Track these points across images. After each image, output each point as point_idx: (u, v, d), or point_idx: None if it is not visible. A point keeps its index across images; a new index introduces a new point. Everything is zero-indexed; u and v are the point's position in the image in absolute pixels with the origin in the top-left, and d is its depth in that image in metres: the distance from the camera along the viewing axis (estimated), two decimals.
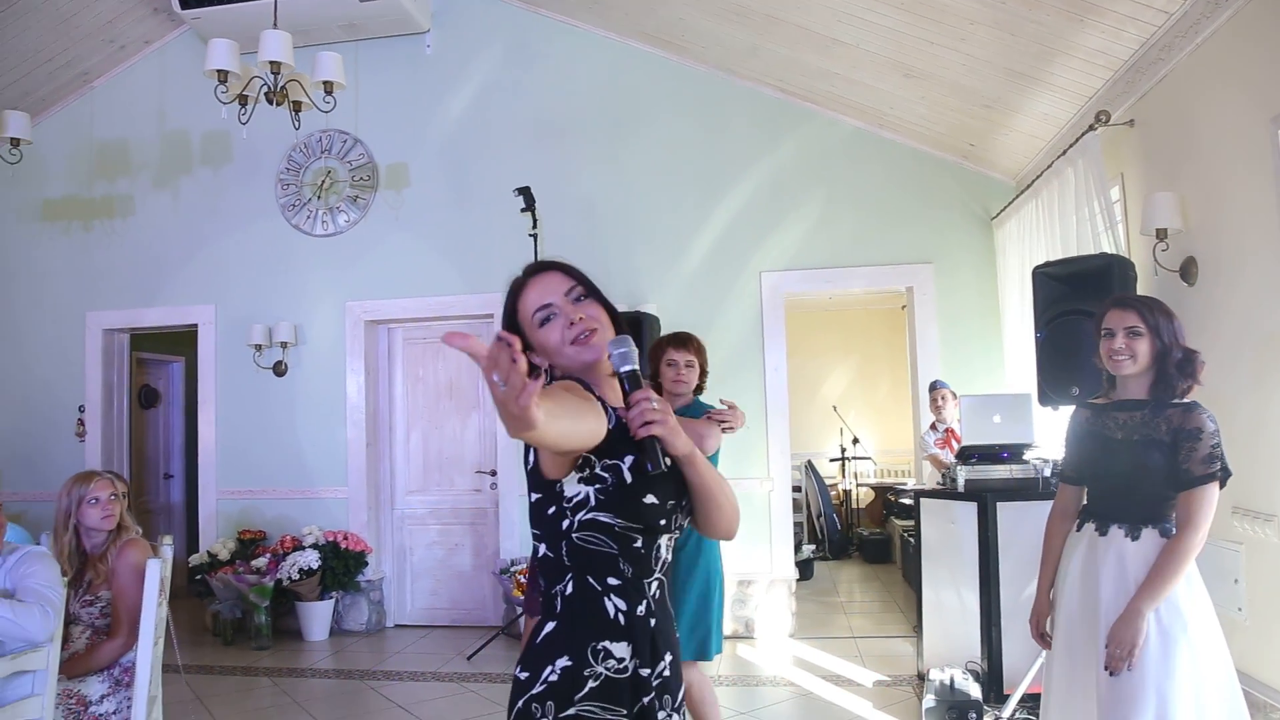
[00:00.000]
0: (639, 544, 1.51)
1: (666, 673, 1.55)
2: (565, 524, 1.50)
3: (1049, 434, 4.43)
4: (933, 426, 5.93)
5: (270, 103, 4.40)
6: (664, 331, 5.68)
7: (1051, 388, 3.99)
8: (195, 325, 6.75)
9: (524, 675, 1.51)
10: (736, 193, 6.13)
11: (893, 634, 5.86)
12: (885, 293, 6.88)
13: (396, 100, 6.54)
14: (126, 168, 6.87)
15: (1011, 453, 4.41)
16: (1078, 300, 3.86)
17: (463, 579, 6.52)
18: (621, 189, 6.24)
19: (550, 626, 1.51)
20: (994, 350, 5.81)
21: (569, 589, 1.51)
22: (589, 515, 1.49)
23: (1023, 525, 4.09)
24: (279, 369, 6.56)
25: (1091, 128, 4.14)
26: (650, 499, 1.49)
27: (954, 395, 5.70)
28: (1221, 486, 2.35)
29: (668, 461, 1.44)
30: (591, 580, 1.50)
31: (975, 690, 4.01)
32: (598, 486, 1.48)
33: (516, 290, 1.61)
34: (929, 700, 4.01)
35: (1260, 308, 3.25)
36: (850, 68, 5.37)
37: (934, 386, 5.84)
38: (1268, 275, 3.19)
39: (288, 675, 5.37)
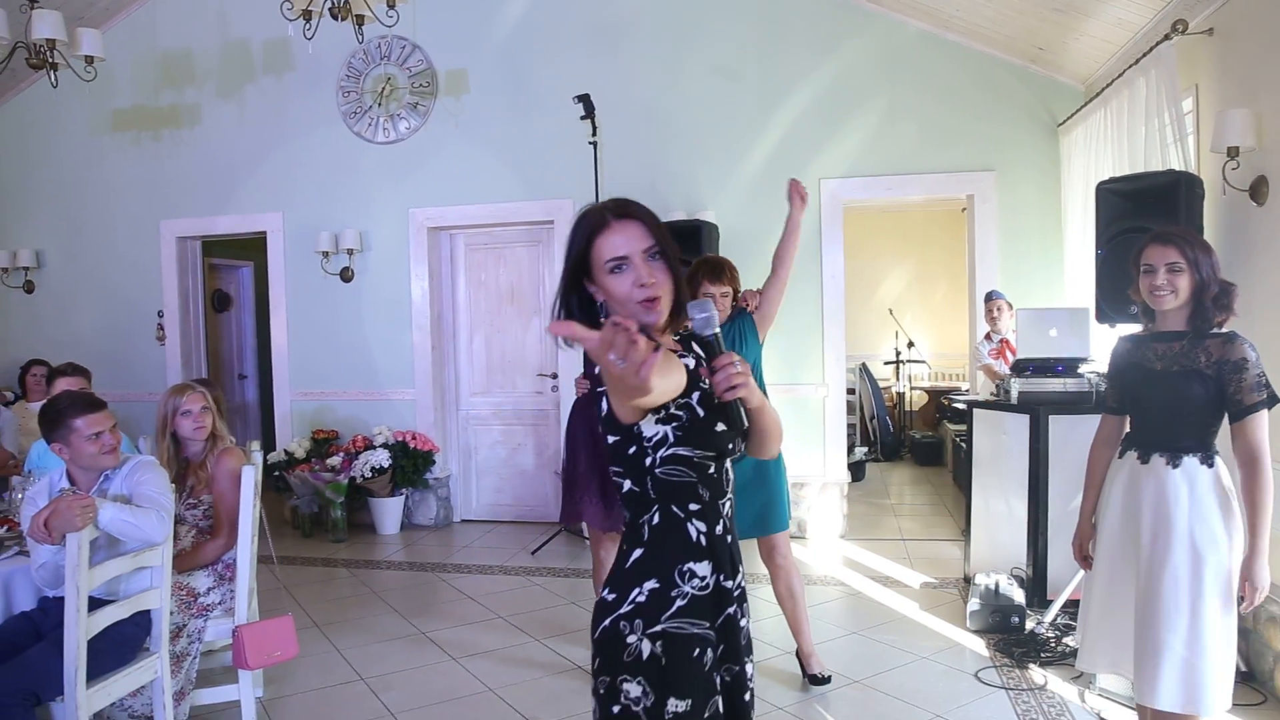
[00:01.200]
0: (712, 470, 1.63)
1: (743, 583, 1.72)
2: (648, 461, 1.60)
3: (1105, 349, 4.43)
4: (987, 336, 5.94)
5: (335, 18, 4.44)
6: (722, 240, 5.73)
7: (1110, 305, 3.99)
8: (264, 233, 6.94)
9: (611, 597, 1.64)
10: (797, 98, 6.04)
11: (941, 537, 6.03)
12: (946, 198, 6.78)
13: (454, 5, 6.49)
14: (191, 77, 6.98)
15: (1066, 366, 4.45)
16: (1141, 218, 3.82)
17: (525, 477, 6.81)
18: (681, 95, 6.18)
19: (638, 553, 1.63)
20: (1054, 263, 5.74)
21: (655, 519, 1.62)
22: (669, 451, 1.59)
23: (1074, 438, 4.17)
24: (346, 275, 6.76)
25: (1167, 37, 4.00)
26: (721, 426, 1.59)
27: (1010, 306, 5.69)
28: (1268, 409, 2.42)
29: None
30: (675, 509, 1.61)
31: (1019, 595, 4.17)
32: (674, 425, 1.58)
33: (596, 227, 1.59)
34: (974, 603, 4.19)
35: None
36: None
37: (990, 297, 5.82)
38: None
39: (364, 566, 5.74)
